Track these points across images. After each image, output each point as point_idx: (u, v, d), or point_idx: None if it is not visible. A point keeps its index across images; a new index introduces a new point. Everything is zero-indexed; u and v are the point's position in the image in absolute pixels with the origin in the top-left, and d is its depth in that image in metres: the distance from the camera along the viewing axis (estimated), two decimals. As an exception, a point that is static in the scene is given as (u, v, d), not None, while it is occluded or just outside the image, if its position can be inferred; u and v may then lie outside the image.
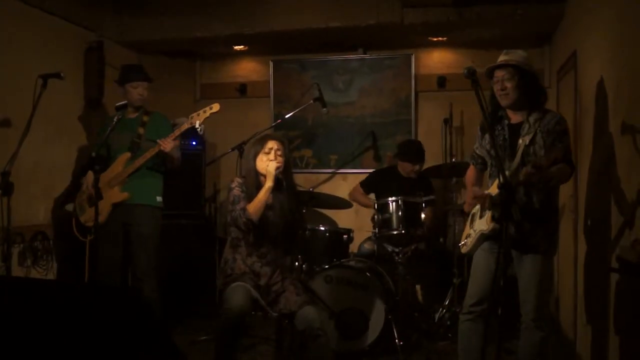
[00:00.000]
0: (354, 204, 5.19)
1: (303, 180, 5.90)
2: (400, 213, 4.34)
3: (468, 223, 3.38)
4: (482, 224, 3.19)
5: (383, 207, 4.43)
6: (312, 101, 5.17)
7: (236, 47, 5.90)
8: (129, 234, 4.18)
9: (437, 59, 5.81)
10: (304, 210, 4.59)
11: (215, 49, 5.98)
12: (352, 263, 4.41)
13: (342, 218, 5.65)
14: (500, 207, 2.97)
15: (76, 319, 1.99)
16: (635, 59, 2.88)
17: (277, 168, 3.39)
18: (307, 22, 5.17)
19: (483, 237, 3.20)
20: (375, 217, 4.49)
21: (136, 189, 4.13)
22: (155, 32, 5.39)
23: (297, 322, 3.29)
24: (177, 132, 4.07)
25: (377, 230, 4.46)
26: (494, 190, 3.14)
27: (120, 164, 4.14)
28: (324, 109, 5.18)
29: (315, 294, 4.17)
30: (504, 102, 3.15)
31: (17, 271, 4.26)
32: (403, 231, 4.32)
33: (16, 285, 2.28)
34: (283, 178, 3.45)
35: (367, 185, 5.16)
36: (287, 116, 5.19)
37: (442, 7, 4.83)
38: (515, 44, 5.51)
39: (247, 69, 6.23)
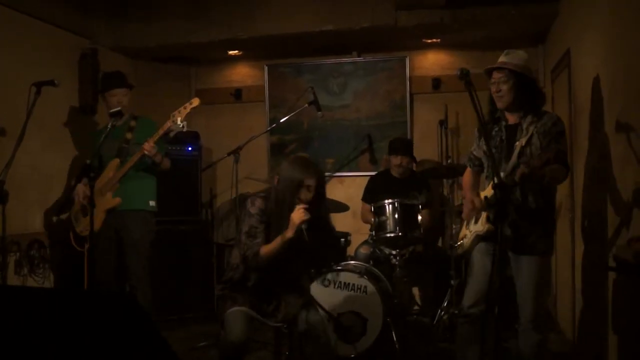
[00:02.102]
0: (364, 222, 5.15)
1: (300, 184, 5.89)
2: (396, 215, 4.33)
3: (464, 224, 3.38)
4: (477, 225, 3.20)
5: (379, 210, 4.42)
6: (307, 105, 5.17)
7: (231, 52, 5.90)
8: (122, 240, 4.19)
9: (432, 61, 5.82)
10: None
11: (209, 54, 5.98)
12: (349, 266, 4.40)
13: (339, 221, 5.60)
14: (494, 207, 3.00)
15: (73, 327, 1.98)
16: (628, 56, 2.89)
17: (304, 222, 3.06)
18: (301, 26, 5.17)
19: (478, 238, 3.20)
20: (373, 219, 4.48)
21: (127, 194, 4.14)
22: (150, 38, 5.39)
23: (299, 323, 3.23)
24: (160, 132, 4.07)
25: (374, 233, 4.45)
26: (489, 192, 3.14)
27: (110, 171, 4.14)
28: (319, 113, 5.19)
29: (313, 297, 4.16)
30: (499, 104, 3.15)
31: (13, 280, 4.25)
32: (400, 233, 4.32)
33: (11, 293, 2.27)
34: (306, 230, 3.07)
35: (368, 196, 5.12)
36: (282, 120, 5.19)
37: (435, 9, 4.83)
38: (509, 44, 5.50)
39: (242, 74, 6.23)
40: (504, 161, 3.11)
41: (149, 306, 4.15)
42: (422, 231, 4.43)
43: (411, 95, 5.78)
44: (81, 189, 4.13)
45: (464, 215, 3.38)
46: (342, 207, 5.04)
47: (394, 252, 4.44)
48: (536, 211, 3.07)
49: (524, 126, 3.08)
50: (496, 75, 3.12)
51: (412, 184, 4.86)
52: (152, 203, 4.29)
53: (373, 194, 5.01)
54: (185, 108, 4.00)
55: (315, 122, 5.81)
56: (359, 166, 5.87)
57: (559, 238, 4.81)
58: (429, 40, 5.56)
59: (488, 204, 3.10)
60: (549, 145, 2.99)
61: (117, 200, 4.11)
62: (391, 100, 5.80)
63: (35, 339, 1.98)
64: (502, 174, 3.07)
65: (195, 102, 4.02)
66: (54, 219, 4.62)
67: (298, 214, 3.07)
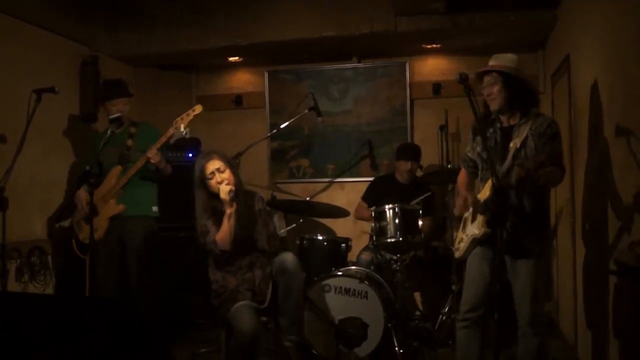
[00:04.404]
0: (361, 220, 5.20)
1: (300, 189, 5.89)
2: (397, 220, 4.33)
3: (460, 228, 3.39)
4: (474, 228, 3.20)
5: (380, 215, 4.41)
6: (307, 111, 5.17)
7: (231, 59, 5.91)
8: (125, 246, 4.20)
9: (432, 66, 5.82)
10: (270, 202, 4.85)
11: (210, 60, 6.00)
12: (350, 272, 4.39)
13: (340, 227, 5.63)
14: (493, 210, 3.00)
15: (73, 333, 1.99)
16: (627, 61, 2.89)
17: (230, 192, 3.41)
18: (301, 33, 5.17)
19: (475, 242, 3.20)
20: (373, 224, 4.47)
21: (131, 201, 4.16)
22: (150, 45, 5.40)
23: (274, 267, 3.53)
24: (162, 139, 4.08)
25: (374, 239, 4.44)
26: (485, 193, 3.15)
27: (112, 178, 4.15)
28: (320, 118, 5.20)
29: (314, 303, 4.15)
30: (492, 106, 3.20)
31: (14, 287, 4.25)
32: (401, 239, 4.31)
33: (11, 300, 2.27)
34: (238, 195, 3.49)
35: (369, 196, 5.14)
36: (282, 126, 5.20)
37: (435, 14, 4.84)
38: (509, 49, 5.47)
39: (243, 80, 6.23)
40: (498, 163, 3.13)
41: (152, 309, 4.18)
42: (422, 236, 4.42)
43: (411, 100, 5.79)
44: (83, 195, 4.12)
45: (456, 210, 3.40)
46: (343, 213, 5.04)
47: (394, 258, 4.43)
48: (531, 214, 3.08)
49: (519, 128, 3.10)
50: (486, 78, 3.20)
51: (415, 189, 4.87)
52: (154, 209, 4.35)
53: (375, 195, 5.02)
54: (188, 115, 4.00)
55: (315, 128, 5.82)
56: (360, 172, 5.87)
57: (560, 242, 4.80)
58: (429, 46, 5.57)
59: (486, 206, 3.10)
60: (544, 146, 3.02)
61: (122, 207, 4.13)
62: (392, 105, 5.80)
63: (35, 345, 1.98)
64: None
65: (198, 109, 4.02)
66: (56, 225, 4.62)
67: (222, 189, 3.42)
